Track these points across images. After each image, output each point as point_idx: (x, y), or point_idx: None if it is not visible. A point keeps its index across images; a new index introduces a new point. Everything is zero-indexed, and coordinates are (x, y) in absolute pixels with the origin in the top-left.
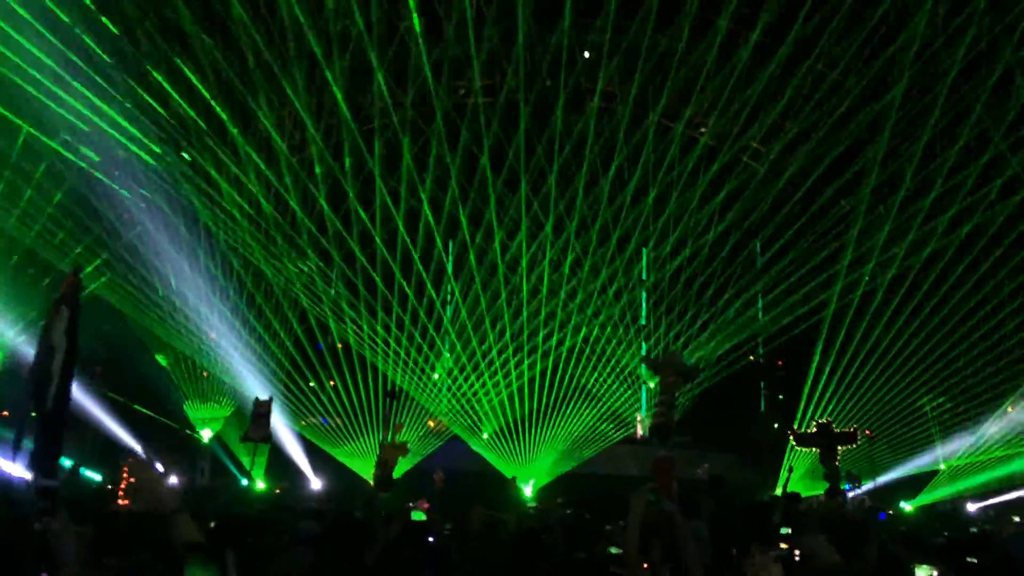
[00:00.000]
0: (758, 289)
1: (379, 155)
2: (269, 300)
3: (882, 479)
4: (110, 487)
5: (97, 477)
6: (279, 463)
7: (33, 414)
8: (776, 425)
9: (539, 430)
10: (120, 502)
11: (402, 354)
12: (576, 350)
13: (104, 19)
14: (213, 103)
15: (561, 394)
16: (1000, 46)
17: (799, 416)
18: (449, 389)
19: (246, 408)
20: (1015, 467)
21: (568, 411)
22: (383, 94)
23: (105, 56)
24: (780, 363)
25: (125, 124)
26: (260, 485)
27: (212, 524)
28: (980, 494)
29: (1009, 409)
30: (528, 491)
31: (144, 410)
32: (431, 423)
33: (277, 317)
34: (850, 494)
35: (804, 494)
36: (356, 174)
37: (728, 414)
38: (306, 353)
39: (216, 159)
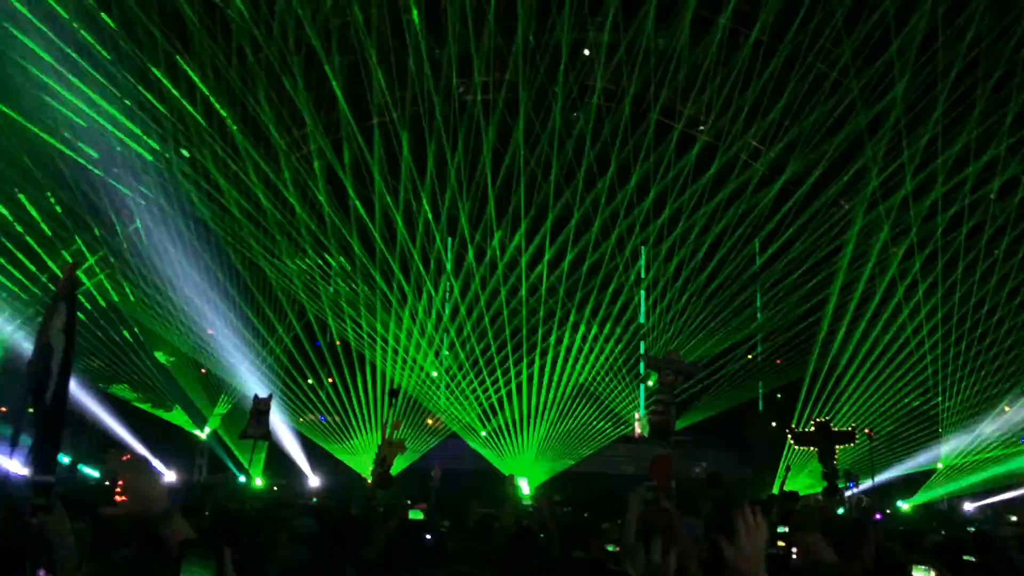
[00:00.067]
0: (757, 288)
1: (378, 152)
2: (268, 297)
3: (880, 478)
4: (108, 483)
5: (95, 474)
6: (277, 460)
7: (30, 410)
8: (774, 424)
9: (537, 428)
10: (117, 499)
11: (400, 352)
12: (575, 348)
13: (103, 15)
14: (212, 99)
15: (559, 392)
16: (1000, 46)
17: (797, 415)
18: (447, 387)
19: (245, 405)
20: (1012, 466)
21: (566, 409)
22: (383, 91)
23: (104, 53)
24: (778, 361)
25: (124, 120)
26: (258, 482)
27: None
28: (977, 493)
29: (1006, 408)
30: (526, 489)
31: (143, 407)
32: (429, 421)
33: (276, 314)
34: (847, 493)
35: (801, 493)
36: (355, 171)
37: (727, 412)
38: (305, 350)
39: (215, 155)
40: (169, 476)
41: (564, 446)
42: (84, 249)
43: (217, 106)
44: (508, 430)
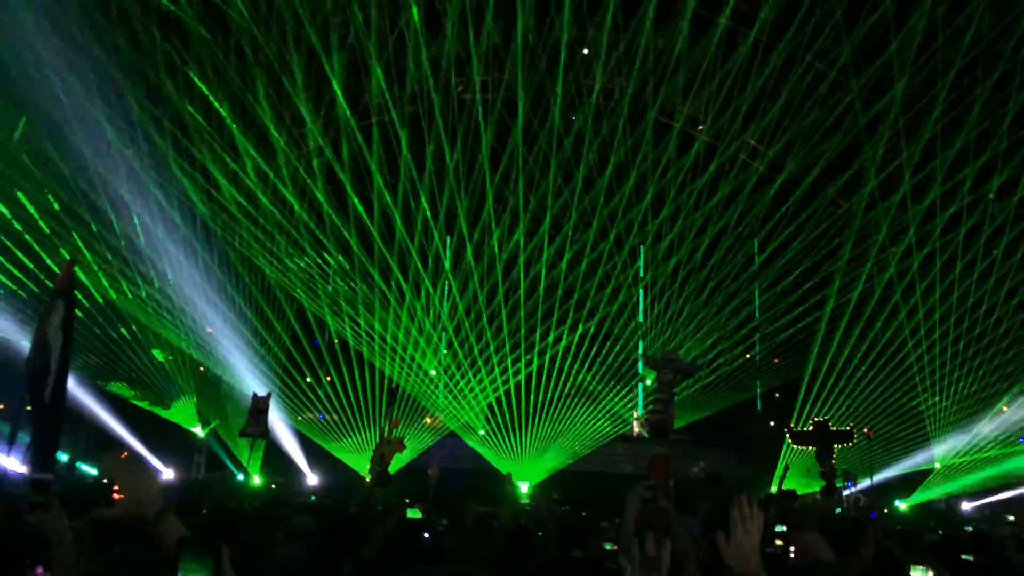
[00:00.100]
0: (756, 287)
1: (377, 150)
2: (266, 295)
3: (878, 477)
4: (106, 481)
5: (93, 471)
6: (275, 458)
7: (28, 407)
8: (772, 423)
9: (535, 427)
10: (116, 496)
11: (399, 350)
12: (573, 347)
13: (102, 13)
14: (211, 98)
15: (557, 391)
16: (1000, 46)
17: (795, 414)
18: (446, 386)
19: (243, 403)
20: (1010, 466)
21: (564, 408)
22: (382, 89)
23: (103, 50)
24: (776, 361)
25: (122, 118)
26: (256, 480)
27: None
28: (975, 493)
29: (1004, 408)
30: (524, 488)
31: (141, 405)
32: (428, 420)
33: (274, 312)
34: (845, 492)
35: (800, 492)
36: (354, 169)
37: (725, 412)
38: (303, 349)
39: (214, 153)
40: (167, 474)
41: (562, 445)
42: (82, 246)
43: (216, 104)
44: (506, 429)
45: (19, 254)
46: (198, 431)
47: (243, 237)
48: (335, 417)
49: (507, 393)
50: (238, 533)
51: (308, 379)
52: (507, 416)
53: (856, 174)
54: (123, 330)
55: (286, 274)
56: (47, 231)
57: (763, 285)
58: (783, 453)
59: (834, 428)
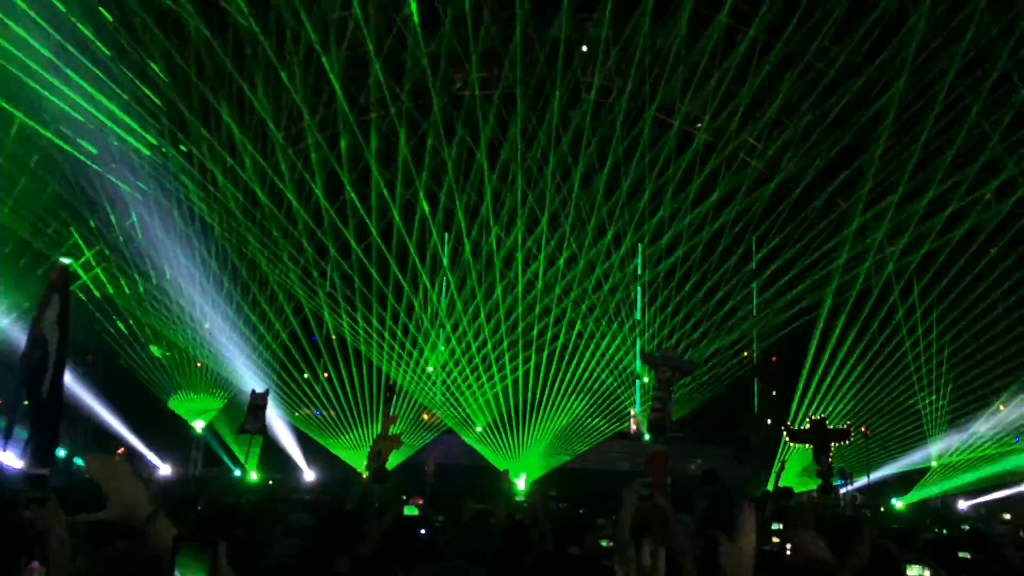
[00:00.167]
0: (754, 286)
1: (375, 146)
2: (264, 291)
3: (874, 476)
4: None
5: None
6: (272, 454)
7: (25, 403)
8: (769, 421)
9: (532, 424)
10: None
11: (396, 347)
12: (570, 345)
13: (100, 8)
14: (208, 93)
15: (555, 388)
16: (998, 47)
17: (793, 412)
18: (443, 382)
19: (240, 399)
20: (1006, 465)
21: (561, 405)
22: (381, 85)
23: (101, 46)
24: (774, 359)
25: (120, 114)
26: (253, 476)
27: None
28: (971, 491)
29: (1001, 407)
30: (521, 484)
31: (138, 400)
32: (425, 416)
33: (272, 308)
34: (842, 491)
35: (797, 490)
36: (352, 165)
37: (723, 410)
38: (300, 345)
39: (212, 149)
40: (164, 469)
41: (560, 442)
42: (80, 242)
43: (214, 100)
44: (504, 425)
45: (17, 249)
46: (195, 427)
47: (241, 233)
48: (332, 413)
49: (504, 390)
50: (234, 529)
51: (306, 375)
52: (504, 413)
53: (854, 173)
54: (120, 325)
55: (284, 270)
56: (44, 227)
57: (761, 283)
58: (780, 451)
59: (831, 426)
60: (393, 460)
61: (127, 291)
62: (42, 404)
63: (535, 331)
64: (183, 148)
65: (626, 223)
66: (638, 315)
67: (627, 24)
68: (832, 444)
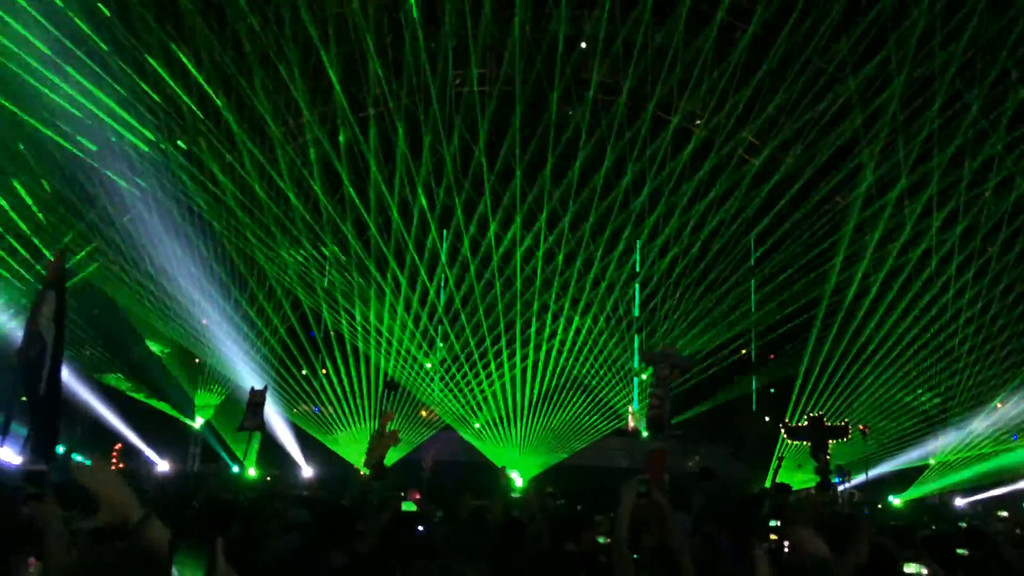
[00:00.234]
0: (752, 283)
1: (374, 142)
2: (262, 287)
3: (872, 473)
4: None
5: (89, 463)
6: (271, 450)
7: (23, 398)
8: (767, 418)
9: (530, 421)
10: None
11: (394, 343)
12: (568, 342)
13: (99, 3)
14: (208, 89)
15: (553, 386)
16: (997, 45)
17: (790, 410)
18: (441, 379)
19: (238, 395)
20: (1003, 462)
21: (559, 403)
22: (380, 81)
23: (99, 42)
24: (772, 357)
25: (118, 109)
26: (251, 472)
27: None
28: (969, 489)
29: (999, 405)
30: (519, 481)
31: (136, 397)
32: (423, 412)
33: (270, 304)
34: (840, 488)
35: (794, 487)
36: (351, 162)
37: (721, 407)
38: (299, 341)
39: (210, 145)
40: (162, 465)
41: (558, 439)
42: (78, 238)
43: (213, 95)
44: (502, 422)
45: (15, 244)
46: (193, 423)
47: (239, 229)
48: (330, 410)
49: (503, 387)
50: (232, 525)
51: (304, 371)
52: (502, 409)
53: (853, 171)
54: (118, 321)
55: (282, 266)
56: (43, 222)
57: (759, 281)
58: (778, 448)
59: (829, 424)
60: (391, 456)
61: (125, 287)
62: (40, 400)
63: (533, 328)
64: (181, 144)
65: (624, 220)
66: (636, 312)
67: (626, 21)
68: (830, 441)
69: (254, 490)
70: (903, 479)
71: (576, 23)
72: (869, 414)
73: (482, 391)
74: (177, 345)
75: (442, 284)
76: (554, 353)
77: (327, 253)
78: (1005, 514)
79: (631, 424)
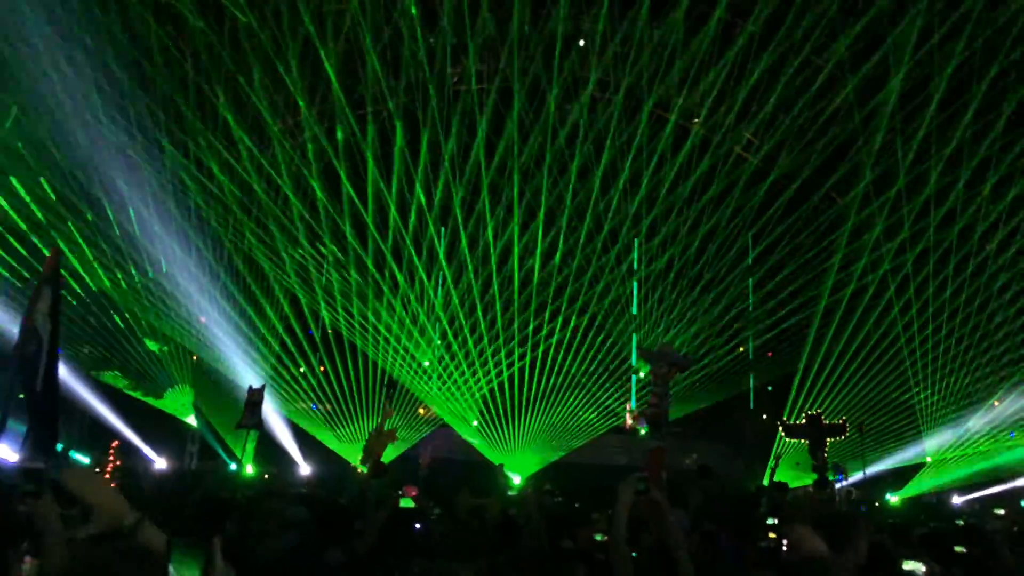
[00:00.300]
0: (750, 282)
1: (372, 139)
2: (260, 284)
3: (869, 471)
4: (97, 470)
5: (86, 460)
6: (268, 448)
7: (21, 395)
8: (765, 416)
9: (528, 419)
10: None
11: (392, 341)
12: (566, 340)
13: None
14: (205, 86)
15: (550, 383)
16: (996, 45)
17: (788, 407)
18: (439, 376)
19: (236, 393)
20: (1000, 460)
21: (557, 400)
22: (378, 78)
23: (97, 36)
24: (769, 355)
25: (116, 107)
26: (249, 470)
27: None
28: (966, 487)
29: (996, 403)
30: (517, 479)
31: (134, 394)
32: (421, 410)
33: (268, 302)
34: (837, 486)
35: (792, 485)
36: (349, 159)
37: (718, 405)
38: (297, 338)
39: (208, 142)
40: (160, 463)
41: (555, 437)
42: (76, 235)
43: (210, 93)
44: (500, 420)
45: (13, 242)
46: (191, 421)
47: (237, 226)
48: (328, 407)
49: (500, 385)
50: (230, 523)
51: (302, 369)
52: (500, 408)
53: (851, 169)
54: (116, 319)
55: (280, 264)
56: (42, 220)
57: (757, 279)
58: (776, 446)
59: (827, 422)
60: (389, 454)
61: (123, 285)
62: (37, 397)
63: (531, 326)
64: (180, 141)
65: (622, 218)
66: (634, 310)
67: (625, 18)
68: (828, 439)
69: (252, 488)
70: (900, 477)
71: (574, 21)
72: (867, 412)
73: (480, 389)
74: (175, 343)
75: (440, 282)
76: (552, 351)
77: (325, 251)
78: (1002, 512)
79: (629, 422)
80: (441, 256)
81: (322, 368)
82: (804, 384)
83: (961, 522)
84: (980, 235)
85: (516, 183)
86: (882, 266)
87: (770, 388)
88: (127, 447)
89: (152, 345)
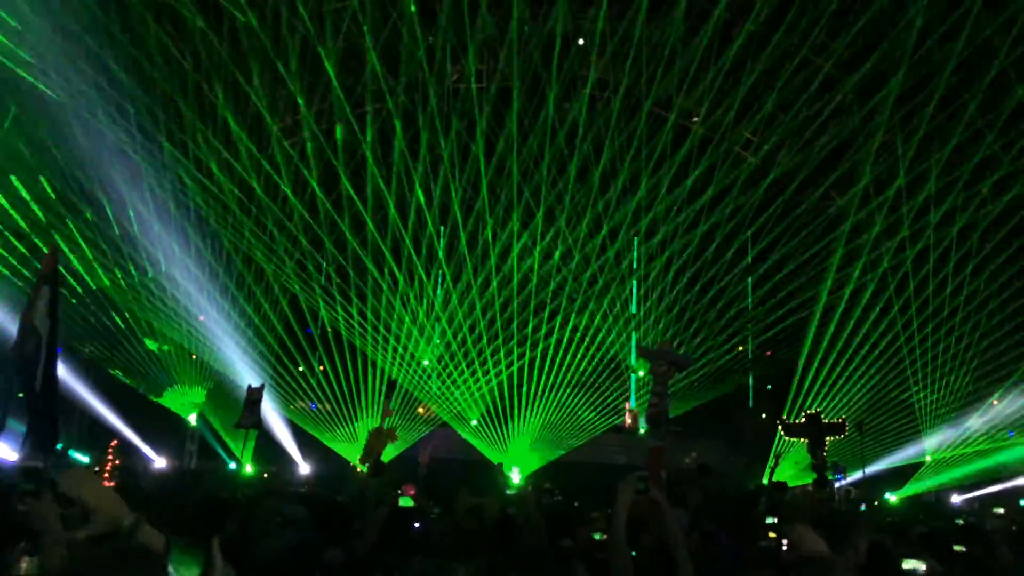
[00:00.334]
0: (749, 281)
1: (371, 139)
2: (260, 283)
3: (869, 470)
4: (96, 469)
5: (85, 459)
6: (267, 447)
7: (20, 395)
8: (764, 415)
9: (527, 418)
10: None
11: (391, 340)
12: (566, 339)
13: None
14: (204, 85)
15: (550, 383)
16: (995, 45)
17: (788, 406)
18: (438, 376)
19: (235, 392)
20: (999, 459)
21: (556, 399)
22: (378, 77)
23: (96, 36)
24: (768, 353)
25: (115, 106)
26: (248, 469)
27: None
28: (965, 486)
29: (995, 402)
30: (516, 478)
31: (133, 393)
32: (420, 410)
33: (268, 300)
34: (836, 485)
35: (791, 484)
36: (348, 158)
37: (718, 404)
38: (296, 337)
39: (207, 141)
40: (159, 462)
41: (555, 436)
42: (76, 234)
43: (209, 92)
44: (499, 419)
45: (13, 240)
46: (190, 420)
47: (236, 226)
48: (328, 406)
49: (500, 384)
50: (229, 522)
51: (301, 368)
52: (500, 407)
53: (851, 168)
54: (116, 318)
55: (279, 263)
56: (41, 219)
57: (756, 278)
58: (775, 445)
59: (826, 421)
60: (389, 453)
61: (122, 284)
62: (36, 396)
63: (530, 325)
64: (179, 140)
65: (622, 217)
66: (633, 309)
67: (624, 17)
68: (827, 438)
69: (251, 487)
70: (899, 476)
71: (574, 19)
72: (866, 411)
73: (479, 388)
74: (174, 341)
75: (439, 281)
76: (551, 350)
77: (324, 250)
78: (1001, 511)
79: (628, 421)
80: (440, 255)
81: (321, 367)
82: (804, 383)
83: (960, 521)
84: (980, 234)
85: (515, 182)
86: (881, 265)
87: (770, 387)
88: (126, 446)
89: (152, 344)
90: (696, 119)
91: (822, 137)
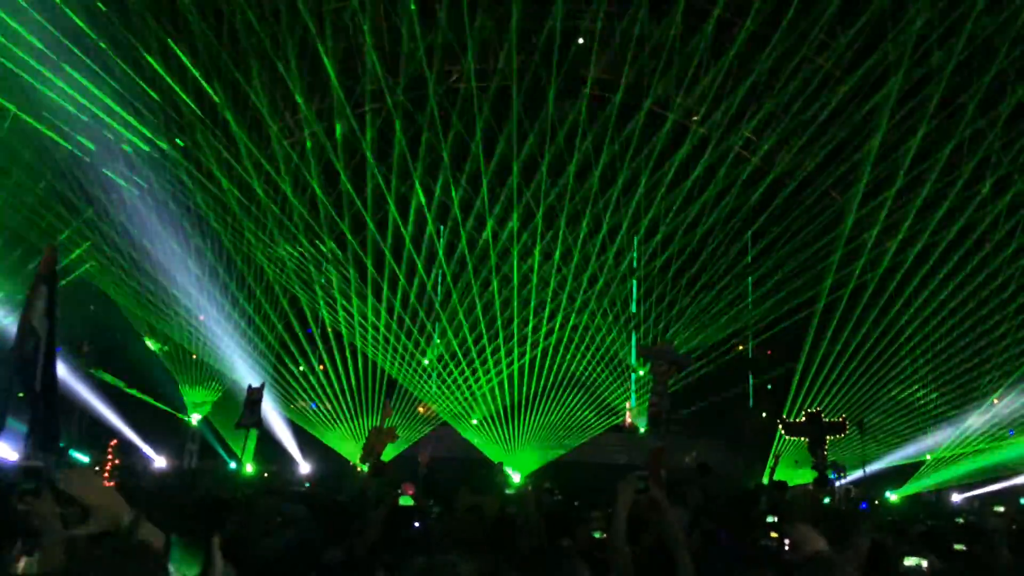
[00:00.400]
0: (749, 280)
1: (371, 139)
2: (259, 283)
3: (869, 469)
4: (96, 469)
5: (85, 459)
6: (268, 447)
7: (20, 394)
8: (764, 414)
9: (528, 417)
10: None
11: (392, 339)
12: (566, 339)
13: (96, 1)
14: (205, 85)
15: (550, 382)
16: (995, 45)
17: (788, 405)
18: (439, 375)
19: (235, 391)
20: (999, 458)
21: (557, 399)
22: (378, 77)
23: (97, 39)
24: (769, 352)
25: (115, 106)
26: (248, 468)
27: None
28: (965, 484)
29: (995, 401)
30: (516, 477)
31: (134, 392)
32: (420, 409)
33: (268, 300)
34: (836, 484)
35: (791, 483)
36: (348, 158)
37: (718, 403)
38: (296, 337)
39: (207, 141)
40: (159, 462)
41: (555, 435)
42: (75, 234)
43: (209, 90)
44: (499, 419)
45: (12, 240)
46: (191, 420)
47: (236, 225)
48: (328, 406)
49: (500, 384)
50: (229, 521)
51: (301, 367)
52: (500, 406)
53: (851, 167)
54: (116, 318)
55: (280, 262)
56: (38, 220)
57: (756, 277)
58: (775, 444)
59: (827, 420)
60: (389, 453)
61: (122, 284)
62: (36, 395)
63: (530, 325)
64: (178, 140)
65: (621, 217)
66: (633, 309)
67: (624, 17)
68: (827, 437)
69: (251, 486)
70: (900, 474)
71: (573, 18)
72: (866, 410)
73: (479, 387)
74: (174, 341)
75: (439, 280)
76: (551, 349)
77: (324, 249)
78: (1002, 509)
79: (628, 420)
80: (440, 254)
81: (321, 367)
82: (804, 382)
83: (960, 520)
84: (980, 233)
85: (515, 181)
86: (882, 264)
87: (770, 386)
88: (126, 445)
89: (152, 344)
90: (696, 119)
91: (822, 137)
